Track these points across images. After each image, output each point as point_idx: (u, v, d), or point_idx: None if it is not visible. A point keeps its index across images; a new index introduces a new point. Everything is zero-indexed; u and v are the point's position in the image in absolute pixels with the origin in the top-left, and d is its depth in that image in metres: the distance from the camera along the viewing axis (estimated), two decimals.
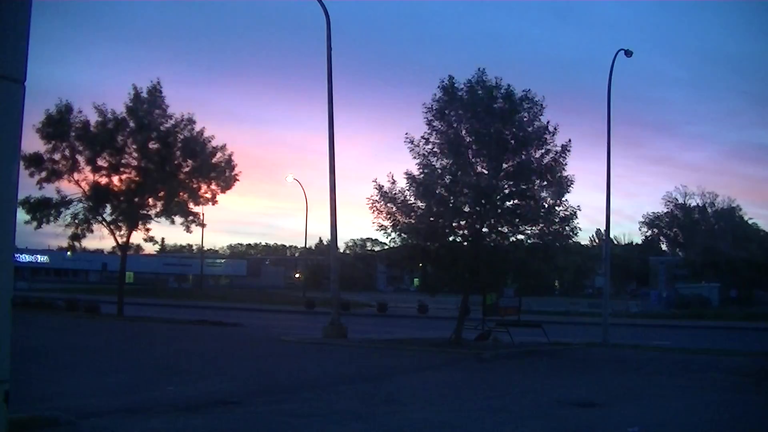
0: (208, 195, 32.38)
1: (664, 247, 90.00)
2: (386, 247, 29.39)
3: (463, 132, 20.99)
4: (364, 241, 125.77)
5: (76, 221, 31.54)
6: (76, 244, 32.82)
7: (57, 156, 30.50)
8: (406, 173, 21.05)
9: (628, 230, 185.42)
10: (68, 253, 51.91)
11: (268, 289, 74.60)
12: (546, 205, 20.85)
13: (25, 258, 74.54)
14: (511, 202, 21.22)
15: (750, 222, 79.70)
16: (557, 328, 27.16)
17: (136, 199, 31.19)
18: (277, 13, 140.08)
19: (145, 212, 31.79)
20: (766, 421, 10.66)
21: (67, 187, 31.10)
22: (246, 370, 15.17)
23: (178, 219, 32.19)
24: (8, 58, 4.51)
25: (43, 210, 30.72)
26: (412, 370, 15.67)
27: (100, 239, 34.52)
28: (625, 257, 76.84)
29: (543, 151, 20.76)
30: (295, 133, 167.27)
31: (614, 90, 25.45)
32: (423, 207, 21.01)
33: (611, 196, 25.49)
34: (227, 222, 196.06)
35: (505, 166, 20.90)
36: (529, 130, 20.58)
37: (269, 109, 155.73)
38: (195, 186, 31.90)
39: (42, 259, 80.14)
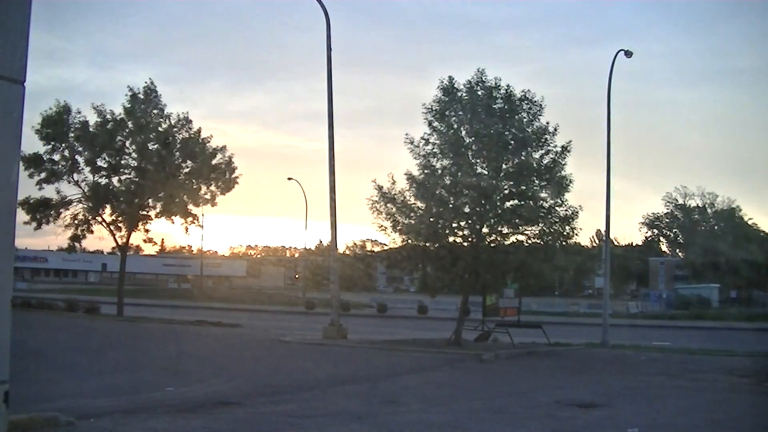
0: (208, 196, 32.41)
1: (664, 247, 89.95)
2: (386, 247, 29.30)
3: (463, 133, 20.98)
4: (364, 241, 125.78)
5: (76, 222, 31.54)
6: (76, 244, 32.83)
7: (56, 157, 30.54)
8: (406, 174, 21.07)
9: (629, 231, 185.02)
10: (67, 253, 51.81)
11: (268, 289, 74.51)
12: (546, 206, 20.84)
13: (25, 258, 74.47)
14: (511, 203, 21.20)
15: (750, 222, 79.62)
16: (557, 328, 27.14)
17: (136, 200, 31.19)
18: (277, 13, 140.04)
19: (144, 213, 31.79)
20: (765, 422, 10.65)
21: (67, 187, 31.17)
22: (246, 371, 15.17)
23: (177, 219, 32.22)
24: (8, 59, 4.50)
25: (42, 211, 30.71)
26: (412, 371, 15.66)
27: (100, 240, 34.57)
28: (625, 258, 76.80)
29: (543, 151, 20.76)
30: (295, 131, 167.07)
31: (614, 90, 25.48)
32: (423, 207, 20.99)
33: (611, 196, 25.54)
34: (227, 222, 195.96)
35: (504, 166, 20.89)
36: (529, 131, 20.58)
37: (269, 107, 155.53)
38: (195, 187, 31.90)
39: (42, 259, 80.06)
